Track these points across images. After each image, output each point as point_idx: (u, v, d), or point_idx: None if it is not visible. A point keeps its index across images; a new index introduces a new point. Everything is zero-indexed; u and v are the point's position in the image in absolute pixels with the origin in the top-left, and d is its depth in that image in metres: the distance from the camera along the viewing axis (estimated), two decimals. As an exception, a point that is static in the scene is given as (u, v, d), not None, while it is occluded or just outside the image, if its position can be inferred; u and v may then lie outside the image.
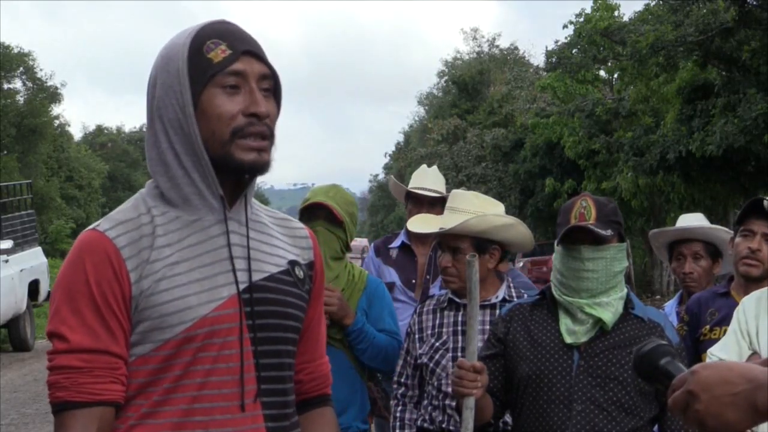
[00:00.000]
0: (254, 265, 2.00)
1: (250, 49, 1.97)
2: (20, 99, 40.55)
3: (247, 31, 2.01)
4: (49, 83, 41.81)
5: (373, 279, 4.00)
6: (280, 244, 2.09)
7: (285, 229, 2.15)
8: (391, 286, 4.86)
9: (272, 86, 2.01)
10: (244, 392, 1.95)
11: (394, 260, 4.92)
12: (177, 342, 1.91)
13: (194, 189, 1.98)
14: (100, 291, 1.90)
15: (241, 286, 1.97)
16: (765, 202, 3.69)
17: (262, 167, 1.97)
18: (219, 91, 1.94)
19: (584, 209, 2.92)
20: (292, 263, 2.09)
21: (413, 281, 4.85)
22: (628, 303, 2.97)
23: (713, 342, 3.47)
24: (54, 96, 42.14)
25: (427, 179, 4.95)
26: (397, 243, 4.97)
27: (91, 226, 1.99)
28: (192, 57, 1.95)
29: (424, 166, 5.21)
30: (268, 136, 1.97)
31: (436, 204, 4.78)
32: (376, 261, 4.96)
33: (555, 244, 3.00)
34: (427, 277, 4.75)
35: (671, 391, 1.65)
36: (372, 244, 5.20)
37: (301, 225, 2.20)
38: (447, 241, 3.55)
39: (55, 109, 43.32)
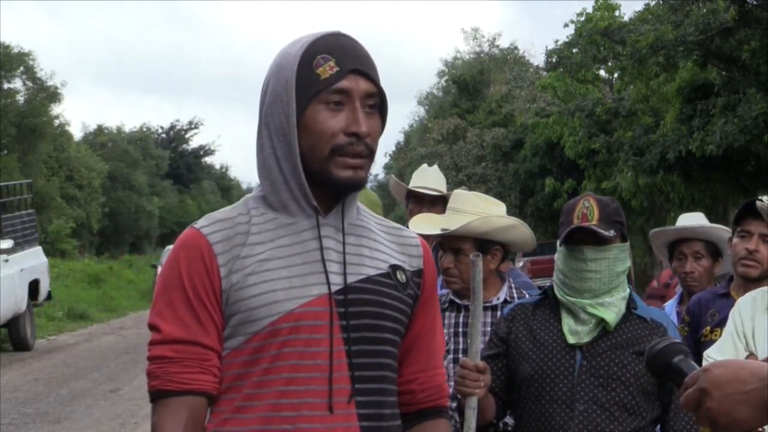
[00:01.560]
0: (351, 269, 2.05)
1: (358, 68, 2.01)
2: (20, 99, 40.53)
3: (360, 45, 2.06)
4: (49, 83, 41.78)
5: None
6: (383, 249, 2.13)
7: (394, 237, 2.18)
8: None
9: (378, 103, 2.05)
10: (333, 391, 1.98)
11: None
12: (264, 335, 1.97)
13: (291, 195, 2.04)
14: (191, 285, 1.99)
15: (335, 288, 2.01)
16: (758, 203, 3.70)
17: (357, 184, 2.03)
18: (323, 107, 2.00)
19: (587, 209, 2.92)
20: (394, 267, 2.11)
21: None
22: (630, 303, 2.97)
23: (714, 343, 3.47)
24: (54, 96, 42.10)
25: (428, 178, 4.96)
26: None
27: (192, 224, 2.08)
28: (301, 70, 2.01)
29: (425, 165, 5.22)
30: (366, 155, 2.02)
31: (436, 203, 4.78)
32: None
33: (557, 245, 3.00)
34: None
35: (683, 389, 1.66)
36: None
37: (413, 234, 2.25)
38: (449, 242, 3.56)
39: (55, 109, 43.32)
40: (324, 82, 1.99)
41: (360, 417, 2.00)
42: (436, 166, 5.19)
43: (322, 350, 1.98)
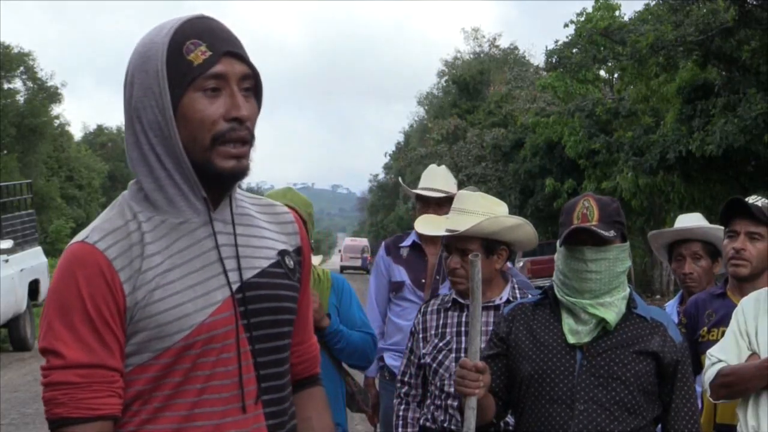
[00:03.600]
0: (244, 263, 1.99)
1: (231, 50, 1.93)
2: (20, 99, 40.54)
3: (226, 26, 1.97)
4: (50, 83, 41.82)
5: (336, 276, 4.06)
6: (268, 235, 2.07)
7: (271, 216, 2.12)
8: (400, 285, 4.87)
9: (253, 85, 1.97)
10: (245, 393, 1.94)
11: (404, 259, 4.92)
12: (176, 350, 1.89)
13: (178, 190, 1.95)
14: (94, 305, 1.87)
15: (234, 287, 1.95)
16: (742, 199, 3.71)
17: (242, 173, 1.95)
18: (200, 94, 1.90)
19: (587, 210, 2.92)
20: (282, 253, 2.07)
21: (423, 281, 4.84)
22: (630, 302, 2.97)
23: (712, 343, 3.47)
24: (54, 96, 42.13)
25: (435, 179, 4.93)
26: (407, 242, 4.95)
27: (78, 238, 1.94)
28: (171, 58, 1.90)
29: (433, 165, 5.18)
30: (249, 141, 1.94)
31: (443, 204, 4.77)
32: (387, 259, 4.96)
33: (557, 245, 3.00)
34: (437, 277, 4.74)
35: None
36: (383, 243, 5.19)
37: (285, 209, 2.17)
38: (456, 242, 3.56)
39: (55, 109, 43.34)
40: (198, 68, 1.89)
41: (266, 415, 1.98)
42: (444, 167, 5.16)
43: (233, 355, 1.93)
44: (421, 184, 4.96)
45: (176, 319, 1.89)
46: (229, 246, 1.98)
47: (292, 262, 2.08)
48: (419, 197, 4.90)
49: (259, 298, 1.99)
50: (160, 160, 1.94)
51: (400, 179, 5.47)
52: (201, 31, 1.92)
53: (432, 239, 4.72)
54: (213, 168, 1.92)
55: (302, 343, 2.19)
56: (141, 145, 1.96)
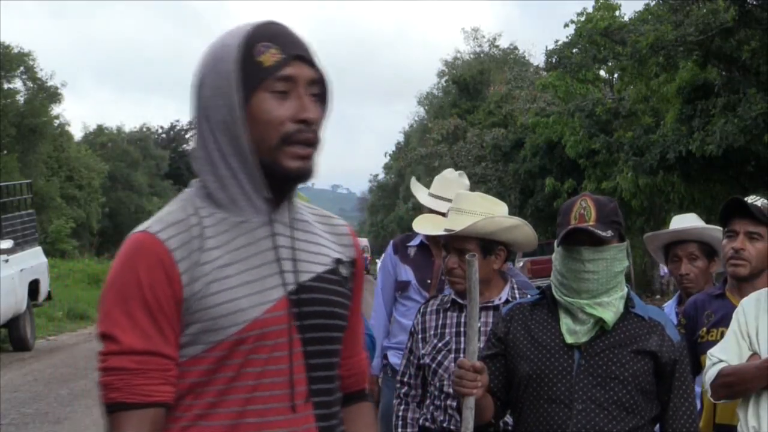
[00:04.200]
0: (301, 266, 2.01)
1: (301, 54, 1.97)
2: (20, 99, 40.53)
3: (296, 32, 2.00)
4: (50, 83, 41.80)
5: None
6: (324, 243, 2.10)
7: (327, 227, 2.15)
8: (406, 284, 4.86)
9: (321, 91, 2.01)
10: (295, 393, 1.96)
11: (411, 259, 4.91)
12: (229, 344, 1.92)
13: (241, 190, 1.98)
14: (152, 293, 1.91)
15: (289, 288, 1.98)
16: (742, 199, 3.71)
17: (307, 174, 1.98)
18: (268, 95, 1.94)
19: (584, 210, 2.92)
20: (337, 261, 2.09)
21: (428, 281, 4.83)
22: (628, 302, 2.97)
23: (711, 344, 3.47)
24: (54, 96, 42.12)
25: (448, 188, 4.72)
26: (415, 242, 4.93)
27: (141, 227, 1.98)
28: (242, 59, 1.94)
29: (447, 171, 5.03)
30: (315, 143, 1.98)
31: None
32: (394, 258, 4.95)
33: (555, 245, 2.99)
34: (443, 278, 4.73)
35: None
36: (391, 242, 5.17)
37: (342, 222, 2.21)
38: (454, 242, 3.56)
39: (55, 109, 43.33)
40: (268, 69, 1.93)
41: (317, 417, 2.00)
42: (459, 173, 4.99)
43: (284, 354, 1.96)
44: (434, 190, 4.81)
45: (230, 313, 1.92)
46: (287, 248, 2.01)
47: (346, 272, 2.11)
48: (430, 210, 4.69)
49: (312, 301, 2.01)
50: (226, 160, 1.97)
51: (414, 179, 5.33)
52: (272, 34, 1.97)
53: (439, 240, 4.69)
54: (280, 168, 1.95)
55: (352, 357, 2.21)
56: (207, 144, 1.99)
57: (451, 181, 4.87)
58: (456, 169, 5.31)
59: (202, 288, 1.92)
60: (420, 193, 4.98)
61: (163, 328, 1.92)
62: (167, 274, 1.91)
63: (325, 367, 2.03)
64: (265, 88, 1.94)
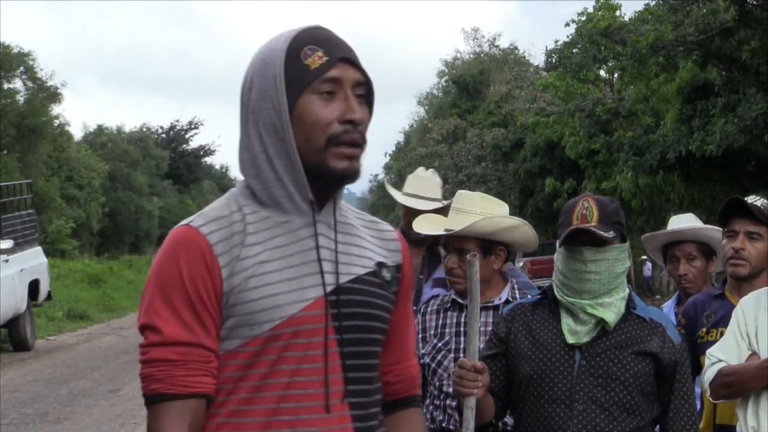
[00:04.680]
0: (341, 268, 2.03)
1: (346, 56, 2.00)
2: (20, 99, 40.53)
3: (340, 36, 2.04)
4: (49, 83, 41.80)
5: None
6: (368, 246, 2.11)
7: (374, 232, 2.17)
8: None
9: (366, 93, 2.03)
10: (330, 393, 1.97)
11: None
12: (263, 339, 1.94)
13: (284, 192, 2.01)
14: (193, 286, 1.94)
15: (328, 288, 2.00)
16: (742, 199, 3.71)
17: (353, 175, 2.00)
18: (315, 97, 1.97)
19: (586, 210, 2.92)
20: (380, 265, 2.10)
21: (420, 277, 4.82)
22: (629, 303, 2.97)
23: (711, 344, 3.47)
24: (54, 96, 42.11)
25: (421, 186, 4.83)
26: None
27: (184, 222, 2.02)
28: (289, 63, 1.98)
29: (421, 169, 5.13)
30: (361, 144, 2.00)
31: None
32: None
33: (557, 245, 2.99)
34: (420, 276, 4.73)
35: None
36: None
37: (390, 228, 2.22)
38: (454, 242, 3.56)
39: (55, 109, 43.33)
40: (314, 72, 1.97)
41: (353, 418, 2.00)
42: (431, 171, 5.10)
43: (320, 353, 1.97)
44: (408, 188, 4.86)
45: (267, 309, 1.94)
46: (329, 249, 2.03)
47: (389, 275, 2.12)
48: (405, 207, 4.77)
49: (351, 302, 2.02)
50: (271, 162, 2.00)
51: (385, 182, 5.37)
52: (318, 38, 2.01)
53: (416, 239, 4.68)
54: (326, 169, 1.98)
55: (400, 363, 2.21)
56: (252, 147, 2.02)
57: (424, 179, 4.92)
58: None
59: (241, 282, 1.94)
60: (395, 193, 5.02)
61: (204, 320, 1.94)
62: (208, 267, 1.94)
63: (362, 368, 2.03)
64: (312, 90, 1.97)
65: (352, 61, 2.00)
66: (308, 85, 1.97)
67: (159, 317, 1.94)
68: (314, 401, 1.96)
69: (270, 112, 1.99)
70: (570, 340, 2.92)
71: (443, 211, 4.77)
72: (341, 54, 1.99)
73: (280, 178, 2.00)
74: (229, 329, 1.96)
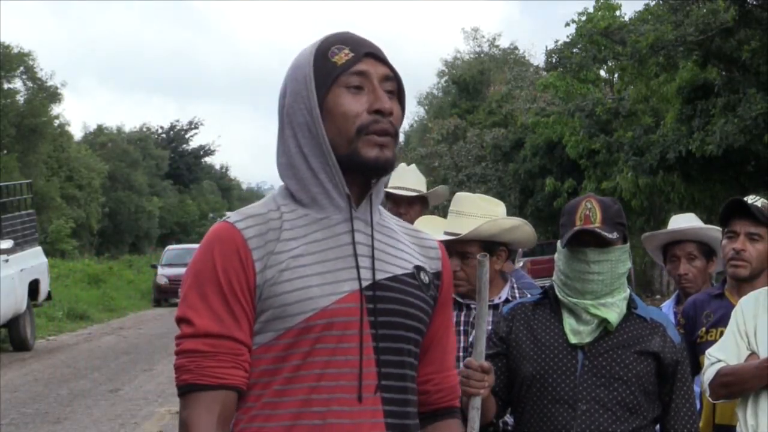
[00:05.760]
0: (378, 265, 2.05)
1: (372, 51, 2.05)
2: (20, 99, 40.52)
3: (368, 39, 2.09)
4: (49, 83, 41.79)
5: None
6: (406, 249, 2.13)
7: (414, 239, 2.19)
8: None
9: (395, 88, 2.07)
10: (363, 385, 1.98)
11: None
12: (297, 331, 1.97)
13: (321, 189, 2.04)
14: (226, 279, 1.97)
15: (365, 284, 2.02)
16: (742, 199, 3.71)
17: (385, 163, 2.03)
18: (344, 90, 2.02)
19: (589, 211, 2.92)
20: (418, 268, 2.12)
21: None
22: (630, 303, 2.98)
23: (710, 344, 3.48)
24: (54, 96, 42.10)
25: (405, 179, 4.95)
26: None
27: (222, 218, 2.07)
28: (317, 62, 2.04)
29: (403, 164, 5.23)
30: (392, 133, 2.03)
31: (414, 203, 4.84)
32: None
33: (559, 246, 3.00)
34: None
35: None
36: None
37: (433, 239, 2.24)
38: (455, 245, 3.57)
39: (55, 109, 43.31)
40: (341, 66, 2.02)
41: (385, 413, 2.01)
42: (413, 166, 5.20)
43: (353, 346, 1.98)
44: (392, 183, 4.96)
45: (300, 301, 1.97)
46: (366, 246, 2.06)
47: (427, 279, 2.13)
48: (390, 196, 4.92)
49: (387, 299, 2.04)
50: (307, 161, 2.04)
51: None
52: (344, 38, 2.07)
53: None
54: (358, 157, 2.01)
55: (439, 372, 2.21)
56: (289, 149, 2.07)
57: (406, 170, 5.03)
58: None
59: (275, 275, 1.97)
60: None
61: (236, 312, 1.97)
62: (241, 260, 1.97)
63: (397, 364, 2.04)
64: (340, 84, 2.02)
65: (378, 56, 2.05)
66: (336, 80, 2.02)
67: (192, 309, 1.98)
68: (347, 393, 1.97)
69: (303, 111, 2.04)
70: (572, 340, 2.93)
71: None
72: (367, 49, 2.05)
73: (316, 175, 2.04)
74: (264, 323, 1.99)
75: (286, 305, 1.97)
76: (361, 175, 2.04)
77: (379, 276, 2.04)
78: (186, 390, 1.97)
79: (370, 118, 2.01)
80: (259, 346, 1.99)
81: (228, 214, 2.08)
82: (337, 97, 2.02)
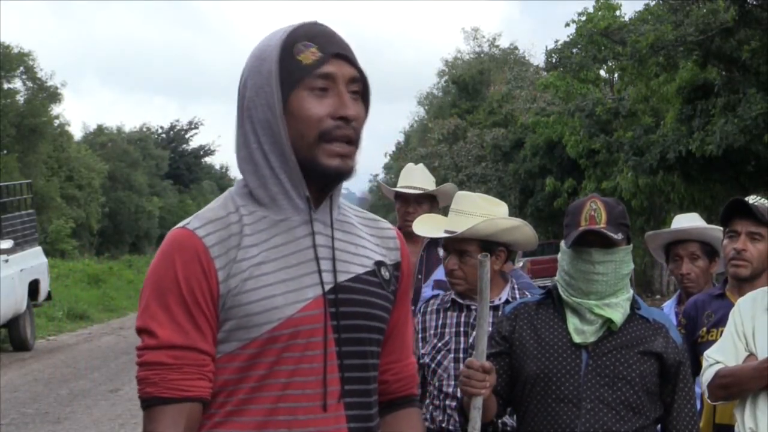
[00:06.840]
0: (339, 266, 2.02)
1: (340, 52, 1.98)
2: (20, 99, 40.52)
3: (337, 32, 2.02)
4: (49, 83, 41.79)
5: None
6: (366, 245, 2.10)
7: (372, 230, 2.15)
8: None
9: (361, 89, 2.02)
10: (327, 393, 1.96)
11: None
12: (262, 341, 1.93)
13: (281, 189, 1.99)
14: (188, 288, 1.92)
15: (327, 287, 1.98)
16: (744, 200, 3.71)
17: (346, 173, 1.99)
18: (308, 93, 1.96)
19: (594, 212, 2.93)
20: (378, 264, 2.09)
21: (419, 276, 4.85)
22: (633, 303, 2.99)
23: (711, 344, 3.48)
24: (54, 96, 42.10)
25: (414, 177, 4.99)
26: None
27: (180, 224, 2.00)
28: (283, 59, 1.97)
29: (411, 164, 5.27)
30: (354, 141, 1.99)
31: (422, 201, 4.87)
32: None
33: (563, 246, 3.00)
34: (419, 276, 4.74)
35: None
36: None
37: (389, 225, 2.21)
38: (454, 244, 3.57)
39: (55, 109, 43.31)
40: (307, 67, 1.95)
41: (348, 418, 1.99)
42: (422, 165, 5.22)
43: (318, 353, 1.96)
44: (400, 183, 5.00)
45: (265, 311, 1.92)
46: (326, 247, 2.01)
47: (387, 274, 2.11)
48: (399, 195, 4.95)
49: (350, 301, 2.01)
50: (267, 158, 1.99)
51: (379, 180, 5.56)
52: (313, 34, 1.99)
53: (413, 238, 4.73)
54: (318, 166, 1.96)
55: (399, 361, 2.20)
56: (249, 144, 2.01)
57: (414, 169, 5.07)
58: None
59: (238, 284, 1.93)
60: (390, 193, 5.15)
61: (200, 323, 1.93)
62: (204, 270, 1.92)
63: (360, 368, 2.02)
64: (305, 86, 1.96)
65: (346, 57, 1.99)
66: (301, 81, 1.95)
67: (154, 320, 1.93)
68: (311, 401, 1.95)
69: (264, 108, 1.98)
70: (577, 339, 2.93)
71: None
72: (335, 50, 1.97)
73: (276, 174, 1.99)
74: (227, 332, 1.94)
75: (250, 315, 1.92)
76: (319, 180, 2.00)
77: (341, 278, 2.00)
78: (151, 403, 1.92)
79: (333, 124, 1.95)
80: (222, 355, 1.95)
81: (187, 219, 2.01)
82: (301, 99, 1.95)
